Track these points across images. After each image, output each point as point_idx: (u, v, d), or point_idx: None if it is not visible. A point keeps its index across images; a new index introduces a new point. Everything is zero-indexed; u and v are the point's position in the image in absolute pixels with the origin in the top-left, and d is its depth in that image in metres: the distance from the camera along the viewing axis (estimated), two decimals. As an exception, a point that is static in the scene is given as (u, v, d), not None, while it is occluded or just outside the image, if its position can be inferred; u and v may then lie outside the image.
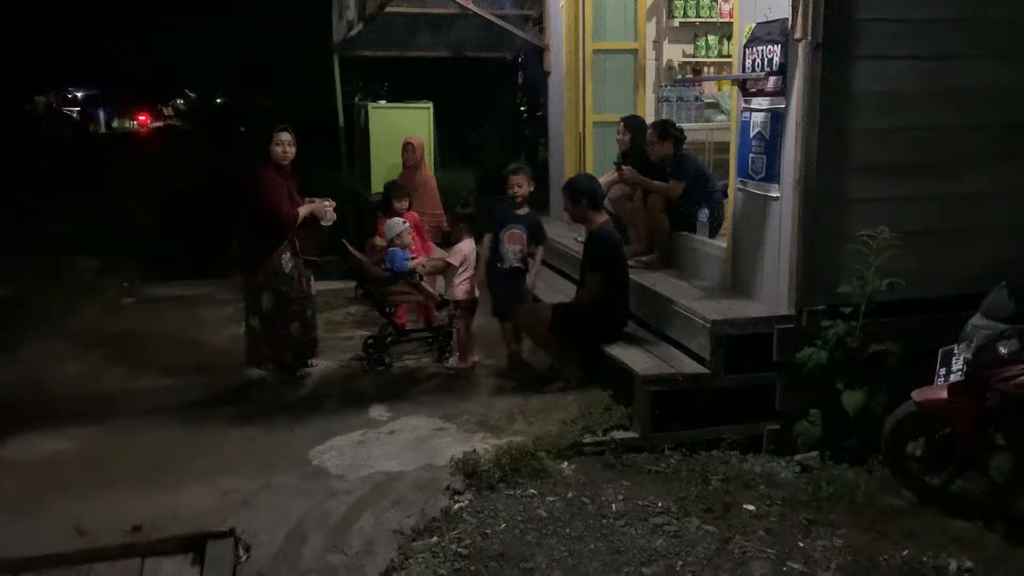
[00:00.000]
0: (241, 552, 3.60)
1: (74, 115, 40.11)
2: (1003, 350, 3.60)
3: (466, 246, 5.74)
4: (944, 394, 3.76)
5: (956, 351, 3.81)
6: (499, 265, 5.64)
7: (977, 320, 3.78)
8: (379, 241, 6.16)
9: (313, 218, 5.48)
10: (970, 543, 3.68)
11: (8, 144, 19.47)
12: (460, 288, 5.70)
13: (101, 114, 41.76)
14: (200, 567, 3.53)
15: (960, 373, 3.72)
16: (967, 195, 4.74)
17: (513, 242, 5.66)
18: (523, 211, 5.71)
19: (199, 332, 6.74)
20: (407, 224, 6.05)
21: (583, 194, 5.26)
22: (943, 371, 3.84)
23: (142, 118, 43.02)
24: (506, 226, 5.65)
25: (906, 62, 4.54)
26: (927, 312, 4.50)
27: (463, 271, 5.70)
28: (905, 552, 3.63)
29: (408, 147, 7.57)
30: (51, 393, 5.43)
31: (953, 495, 3.91)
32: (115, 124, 42.65)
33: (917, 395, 3.87)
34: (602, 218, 5.31)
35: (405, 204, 6.48)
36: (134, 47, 21.57)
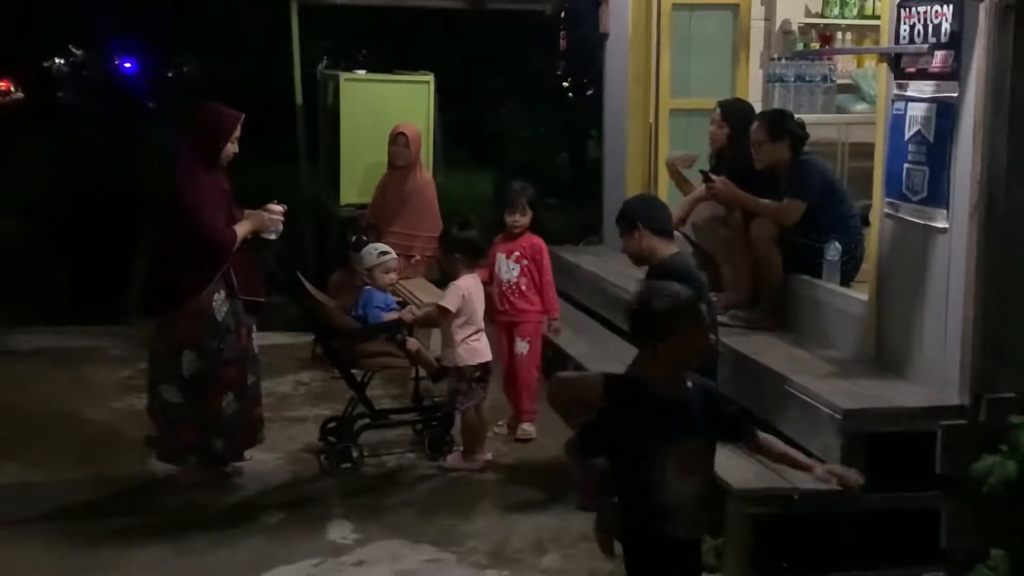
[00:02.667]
0: None
1: None
2: None
3: (467, 284, 5.78)
4: None
5: None
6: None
7: None
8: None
9: (255, 238, 5.56)
10: None
11: None
12: (465, 348, 5.74)
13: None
14: None
15: None
16: None
17: None
18: None
19: (81, 403, 6.78)
20: (388, 253, 6.12)
21: (636, 210, 5.31)
22: None
23: (3, 84, 43.72)
24: None
25: None
26: None
27: (466, 322, 5.75)
28: None
29: (399, 139, 7.67)
30: None
31: None
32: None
33: None
34: (670, 249, 5.34)
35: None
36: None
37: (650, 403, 3.42)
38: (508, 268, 6.21)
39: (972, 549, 4.52)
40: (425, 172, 7.97)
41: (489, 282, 6.21)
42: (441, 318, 5.79)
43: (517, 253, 6.23)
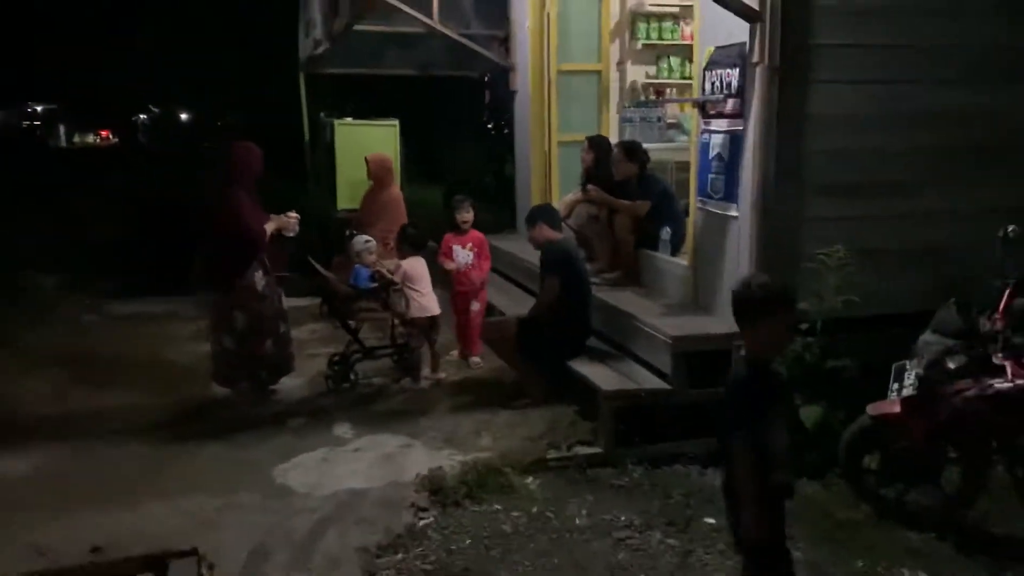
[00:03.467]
0: (204, 571, 3.56)
1: (37, 130, 39.89)
2: (951, 365, 3.72)
3: (407, 263, 5.79)
4: (897, 408, 3.86)
5: (908, 366, 3.92)
6: None
7: (927, 336, 3.89)
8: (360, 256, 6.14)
9: (279, 233, 5.50)
10: (924, 554, 3.78)
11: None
12: (415, 306, 5.76)
13: (61, 129, 41.47)
14: (162, 587, 3.49)
15: (912, 388, 3.83)
16: (920, 215, 4.89)
17: None
18: None
19: (164, 350, 6.67)
20: (371, 242, 6.07)
21: (538, 213, 5.53)
22: (896, 386, 3.94)
23: (103, 133, 42.84)
24: None
25: (862, 86, 4.68)
26: (882, 329, 4.59)
27: (413, 288, 5.73)
28: (861, 563, 3.71)
29: (375, 163, 7.60)
30: (9, 412, 5.34)
31: (908, 507, 4.01)
32: (76, 139, 42.31)
33: (872, 409, 3.97)
34: (557, 236, 5.41)
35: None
36: (97, 62, 21.36)
37: (769, 379, 2.63)
38: (464, 255, 6.14)
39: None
40: (395, 187, 7.87)
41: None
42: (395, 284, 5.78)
43: (470, 244, 6.17)
